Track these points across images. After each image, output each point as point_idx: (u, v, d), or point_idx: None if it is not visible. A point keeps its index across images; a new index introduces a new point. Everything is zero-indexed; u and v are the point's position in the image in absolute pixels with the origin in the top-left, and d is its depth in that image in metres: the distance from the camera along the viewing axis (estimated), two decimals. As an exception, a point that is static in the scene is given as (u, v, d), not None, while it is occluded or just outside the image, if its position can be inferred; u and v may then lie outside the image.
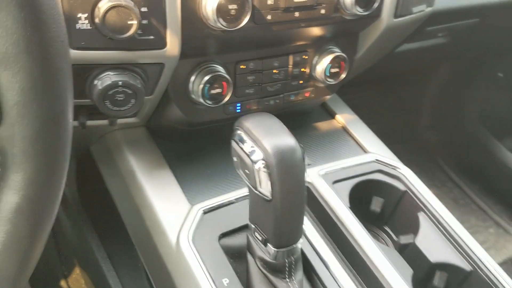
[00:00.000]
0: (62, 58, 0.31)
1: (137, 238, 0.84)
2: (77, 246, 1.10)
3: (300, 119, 0.97)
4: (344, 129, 0.98)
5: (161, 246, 0.74)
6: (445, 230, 0.84)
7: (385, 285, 0.73)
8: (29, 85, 0.29)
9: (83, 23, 0.60)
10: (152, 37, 0.64)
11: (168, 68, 0.69)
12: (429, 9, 0.92)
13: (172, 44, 0.66)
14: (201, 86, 0.74)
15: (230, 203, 0.78)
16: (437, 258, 0.81)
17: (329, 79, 0.85)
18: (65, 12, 0.58)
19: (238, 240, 0.75)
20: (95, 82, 0.65)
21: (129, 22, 0.59)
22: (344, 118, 0.99)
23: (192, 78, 0.75)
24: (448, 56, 1.51)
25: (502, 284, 0.77)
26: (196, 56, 0.74)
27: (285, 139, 0.60)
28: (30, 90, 0.29)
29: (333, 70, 0.84)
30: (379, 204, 0.91)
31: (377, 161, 0.92)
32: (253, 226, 0.68)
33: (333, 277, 0.73)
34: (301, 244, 0.67)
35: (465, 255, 0.81)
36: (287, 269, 0.68)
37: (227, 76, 0.75)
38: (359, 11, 0.75)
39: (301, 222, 0.66)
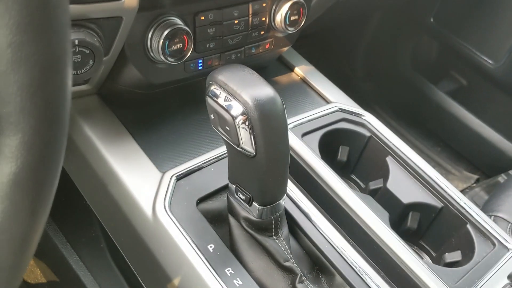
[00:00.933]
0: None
1: (106, 216, 0.78)
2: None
3: (260, 74, 0.93)
4: (304, 81, 0.96)
5: (136, 220, 0.69)
6: (414, 171, 0.85)
7: (366, 230, 0.74)
8: (26, 20, 0.23)
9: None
10: (108, -14, 0.57)
11: (126, 22, 0.62)
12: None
13: (131, -6, 0.59)
14: (161, 41, 0.68)
15: (202, 166, 0.74)
16: (409, 199, 0.82)
17: (289, 28, 0.81)
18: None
19: (216, 204, 0.71)
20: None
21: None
22: (303, 70, 0.96)
23: (150, 33, 0.68)
24: (383, 3, 1.52)
25: (471, 215, 0.79)
26: (152, 9, 0.67)
27: (264, 90, 0.57)
28: (27, 27, 0.23)
29: (292, 18, 0.81)
30: (345, 153, 0.91)
31: (341, 110, 0.91)
32: (234, 186, 0.65)
33: (316, 229, 0.71)
34: (284, 199, 0.65)
35: (436, 193, 0.82)
36: (273, 226, 0.66)
37: (188, 29, 0.69)
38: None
39: (286, 176, 0.63)
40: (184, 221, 0.66)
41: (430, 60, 1.72)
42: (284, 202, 0.66)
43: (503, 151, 1.55)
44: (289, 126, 0.83)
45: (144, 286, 0.73)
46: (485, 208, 1.02)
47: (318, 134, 0.86)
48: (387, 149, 0.87)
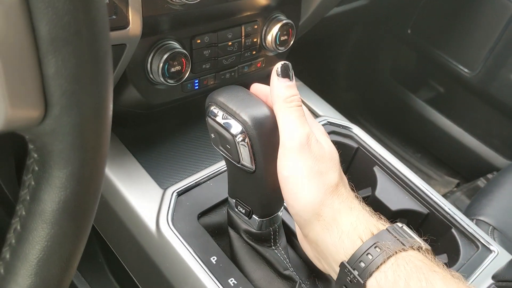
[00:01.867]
0: (107, 40, 0.28)
1: (109, 233, 0.80)
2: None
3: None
4: (294, 96, 1.00)
5: (140, 236, 0.72)
6: (400, 180, 0.89)
7: None
8: (79, 71, 0.27)
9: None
10: (114, 16, 0.60)
11: (129, 49, 0.65)
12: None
13: (135, 23, 0.62)
14: (161, 64, 0.71)
15: (201, 182, 0.77)
16: (396, 206, 0.87)
17: (279, 47, 0.86)
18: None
19: (216, 218, 0.75)
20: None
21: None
22: (292, 85, 1.00)
23: (150, 57, 0.72)
24: (364, 17, 1.58)
25: (455, 220, 0.84)
26: (152, 35, 0.70)
27: (262, 109, 0.60)
28: (80, 77, 0.27)
29: (282, 38, 0.85)
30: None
31: (329, 123, 0.95)
32: (234, 200, 0.68)
33: (312, 238, 0.75)
34: (281, 211, 0.69)
35: (421, 200, 0.87)
36: (272, 237, 0.69)
37: (186, 52, 0.73)
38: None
39: (283, 190, 0.67)
40: (187, 235, 0.69)
41: (409, 70, 1.78)
42: (282, 213, 0.69)
43: (481, 155, 1.62)
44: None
45: (149, 300, 0.76)
46: (468, 212, 1.07)
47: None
48: (374, 159, 0.92)
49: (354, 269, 0.49)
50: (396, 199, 0.88)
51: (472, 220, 1.03)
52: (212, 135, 0.63)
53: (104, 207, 0.76)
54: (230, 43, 0.80)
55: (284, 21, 0.84)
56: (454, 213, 0.85)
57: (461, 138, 1.65)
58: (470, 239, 0.83)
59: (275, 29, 0.84)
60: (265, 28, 0.84)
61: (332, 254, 0.52)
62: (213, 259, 0.68)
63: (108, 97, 0.30)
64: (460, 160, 1.68)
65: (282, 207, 0.68)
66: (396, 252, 0.48)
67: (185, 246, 0.68)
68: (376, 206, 0.88)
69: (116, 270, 0.93)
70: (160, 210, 0.72)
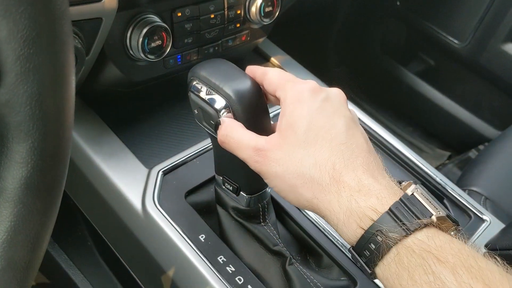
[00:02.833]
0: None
1: (95, 215, 0.79)
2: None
3: (237, 66, 0.95)
4: (281, 70, 0.97)
5: (126, 217, 0.70)
6: (391, 152, 0.88)
7: None
8: (34, 33, 0.24)
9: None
10: (87, -12, 0.57)
11: (105, 23, 0.63)
12: None
13: (109, -6, 0.59)
14: (140, 39, 0.69)
15: (187, 160, 0.75)
16: (388, 179, 0.86)
17: (264, 19, 0.83)
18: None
19: (203, 196, 0.73)
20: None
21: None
22: (279, 60, 0.98)
23: (129, 32, 0.69)
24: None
25: (447, 190, 0.83)
26: (130, 8, 0.68)
27: (246, 82, 0.58)
28: (34, 39, 0.24)
29: (267, 9, 0.83)
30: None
31: (318, 97, 0.93)
32: (221, 178, 0.66)
33: (302, 213, 0.74)
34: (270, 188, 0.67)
35: (412, 172, 0.86)
36: (261, 213, 0.68)
37: (166, 26, 0.70)
38: None
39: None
40: (174, 214, 0.67)
41: (399, 43, 1.76)
42: (270, 190, 0.68)
43: (472, 127, 1.61)
44: (270, 115, 0.85)
45: (138, 280, 0.75)
46: (460, 183, 1.06)
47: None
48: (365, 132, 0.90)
49: (360, 256, 0.46)
50: (389, 172, 0.87)
51: (464, 190, 1.02)
52: (195, 111, 0.61)
53: (88, 189, 0.74)
54: (212, 16, 0.77)
55: (268, -9, 0.82)
56: (445, 184, 0.84)
57: (452, 110, 1.64)
58: (462, 209, 0.82)
59: (259, 0, 0.81)
60: (248, -1, 0.82)
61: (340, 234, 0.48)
62: (202, 237, 0.66)
63: (68, 61, 0.27)
64: (451, 132, 1.67)
65: (270, 183, 0.67)
66: (399, 240, 0.42)
67: (172, 225, 0.66)
68: (367, 179, 0.87)
69: (105, 254, 0.91)
70: (145, 189, 0.70)
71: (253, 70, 0.58)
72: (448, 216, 0.44)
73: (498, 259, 0.41)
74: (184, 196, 0.70)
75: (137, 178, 0.71)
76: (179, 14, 0.73)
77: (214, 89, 0.57)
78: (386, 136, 0.89)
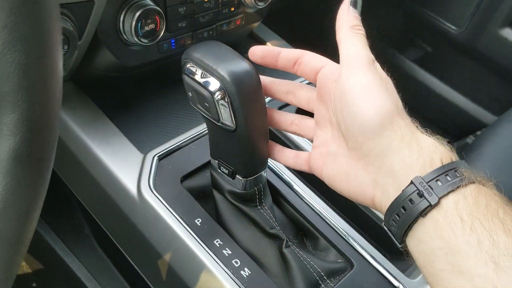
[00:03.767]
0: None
1: (91, 202, 0.78)
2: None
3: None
4: (277, 55, 0.97)
5: (122, 202, 0.70)
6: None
7: None
8: (20, 2, 0.24)
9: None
10: (78, -31, 0.56)
11: (98, 6, 0.62)
12: None
13: (101, -24, 0.59)
14: (133, 23, 0.68)
15: (183, 145, 0.75)
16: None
17: (258, 3, 0.82)
18: None
19: (199, 180, 0.73)
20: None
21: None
22: (274, 44, 0.98)
23: (122, 16, 0.68)
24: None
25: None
26: (123, -9, 0.67)
27: (241, 64, 0.58)
28: (21, 8, 0.24)
29: (261, -7, 0.82)
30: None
31: (314, 81, 0.93)
32: (216, 161, 0.66)
33: (299, 196, 0.74)
34: (265, 171, 0.67)
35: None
36: (257, 196, 0.68)
37: (159, 9, 0.69)
38: None
39: (267, 147, 0.65)
40: (170, 199, 0.67)
41: (395, 29, 1.75)
42: (266, 173, 0.68)
43: (470, 113, 1.61)
44: (266, 100, 0.85)
45: (135, 266, 0.74)
46: (457, 168, 1.06)
47: (294, 107, 0.88)
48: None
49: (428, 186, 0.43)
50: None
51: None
52: (190, 94, 0.60)
53: (84, 175, 0.74)
54: (206, 0, 0.76)
55: (262, -25, 0.81)
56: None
57: (450, 97, 1.63)
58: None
59: (253, -16, 0.80)
60: (243, -17, 0.81)
61: (402, 171, 0.46)
62: (198, 221, 0.66)
63: (55, 31, 0.27)
64: (449, 119, 1.67)
65: (266, 167, 0.66)
66: (475, 181, 0.44)
67: (168, 209, 0.66)
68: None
69: (102, 241, 0.91)
70: (141, 175, 0.70)
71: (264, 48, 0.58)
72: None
73: None
74: (180, 180, 0.70)
75: (132, 163, 0.71)
76: (172, -3, 0.72)
77: (208, 71, 0.57)
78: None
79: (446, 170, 0.44)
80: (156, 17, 0.69)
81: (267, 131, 0.63)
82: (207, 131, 0.66)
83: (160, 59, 0.78)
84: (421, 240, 0.44)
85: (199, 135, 0.77)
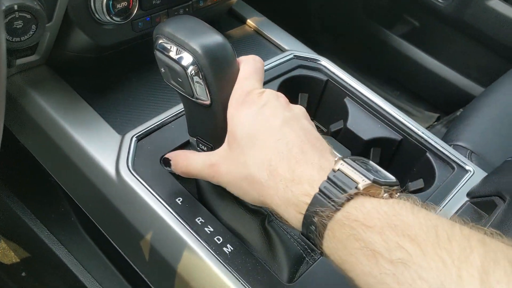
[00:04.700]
0: None
1: (72, 186, 0.77)
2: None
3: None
4: (257, 32, 0.95)
5: (101, 184, 0.69)
6: (372, 109, 0.87)
7: None
8: None
9: None
10: None
11: (65, -17, 0.60)
12: None
13: (65, -49, 0.57)
14: (104, 1, 0.66)
15: (161, 125, 0.74)
16: (369, 136, 0.84)
17: (235, -22, 0.81)
18: None
19: (180, 160, 0.72)
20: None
21: None
22: (255, 21, 0.96)
23: (91, -6, 0.67)
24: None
25: (430, 143, 0.82)
26: (91, -32, 0.65)
27: (213, 37, 0.57)
28: None
29: (237, -33, 0.80)
30: (305, 100, 0.92)
31: (296, 57, 0.92)
32: (195, 139, 0.65)
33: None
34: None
35: (394, 127, 0.85)
36: None
37: (131, -14, 0.68)
38: None
39: (245, 122, 0.64)
40: (149, 179, 0.66)
41: (382, 5, 1.73)
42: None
43: (459, 87, 1.59)
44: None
45: (119, 249, 0.74)
46: (445, 138, 1.05)
47: (276, 84, 0.86)
48: (345, 90, 0.89)
49: (309, 239, 0.48)
50: (368, 128, 0.85)
51: (450, 146, 1.01)
52: (162, 69, 0.59)
53: (64, 160, 0.72)
54: (180, -25, 0.75)
55: (237, -51, 0.79)
56: (428, 137, 0.83)
57: (439, 71, 1.62)
58: (446, 161, 0.81)
59: (228, -43, 0.79)
60: (217, -43, 0.79)
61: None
62: (179, 200, 0.65)
63: None
64: (439, 93, 1.66)
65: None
66: (331, 216, 0.43)
67: (148, 189, 0.65)
68: (349, 137, 0.86)
69: (89, 227, 0.90)
70: (119, 155, 0.68)
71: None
72: (374, 181, 0.44)
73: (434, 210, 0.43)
74: (159, 160, 0.69)
75: (111, 145, 0.70)
76: (144, -27, 0.71)
77: (180, 46, 0.55)
78: (365, 92, 0.88)
79: (307, 223, 0.46)
80: (128, -6, 0.68)
81: None
82: (187, 110, 0.65)
83: (136, 38, 0.77)
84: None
85: (179, 114, 0.75)
